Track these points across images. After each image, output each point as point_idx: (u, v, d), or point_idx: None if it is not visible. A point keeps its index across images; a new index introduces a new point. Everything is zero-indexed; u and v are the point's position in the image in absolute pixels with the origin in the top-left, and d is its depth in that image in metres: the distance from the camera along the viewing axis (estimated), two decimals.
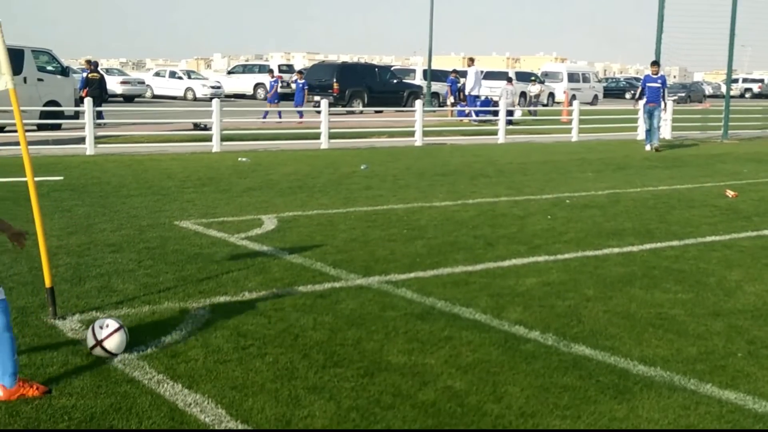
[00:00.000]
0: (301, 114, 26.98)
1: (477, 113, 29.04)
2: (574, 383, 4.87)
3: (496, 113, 25.21)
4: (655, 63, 21.67)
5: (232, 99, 45.36)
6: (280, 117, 27.48)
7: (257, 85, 46.64)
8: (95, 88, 23.69)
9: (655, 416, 4.45)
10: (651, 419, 4.42)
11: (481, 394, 4.69)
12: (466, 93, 31.29)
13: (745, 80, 73.22)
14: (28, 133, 7.49)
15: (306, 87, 28.93)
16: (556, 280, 7.33)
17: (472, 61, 31.96)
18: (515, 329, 5.88)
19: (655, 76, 21.30)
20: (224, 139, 19.24)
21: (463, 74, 31.81)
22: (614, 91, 64.13)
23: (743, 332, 5.93)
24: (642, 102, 22.17)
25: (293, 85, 30.84)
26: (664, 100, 21.37)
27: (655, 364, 5.22)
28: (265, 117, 27.30)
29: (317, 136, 20.54)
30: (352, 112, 32.23)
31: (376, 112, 31.81)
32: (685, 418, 4.43)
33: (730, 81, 28.16)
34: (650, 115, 21.21)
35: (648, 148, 21.13)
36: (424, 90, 37.04)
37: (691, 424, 4.36)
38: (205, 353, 5.24)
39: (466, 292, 6.83)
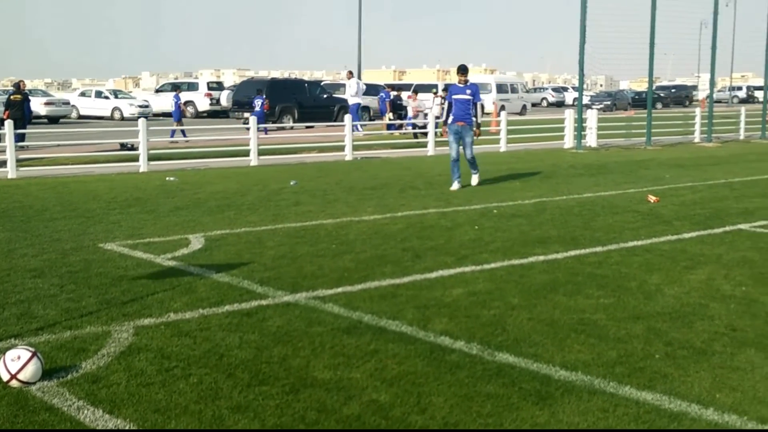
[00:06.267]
0: (181, 132, 26.98)
1: (410, 125, 29.33)
2: (497, 391, 4.94)
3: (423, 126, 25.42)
4: (463, 69, 15.43)
5: (161, 117, 44.82)
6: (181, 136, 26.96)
7: (187, 103, 46.24)
8: (17, 110, 23.17)
9: (575, 420, 4.54)
10: (571, 423, 4.50)
11: (405, 406, 4.72)
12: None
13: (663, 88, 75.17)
14: None
15: (180, 102, 28.69)
16: (482, 289, 7.41)
17: (351, 73, 33.26)
18: (441, 340, 5.94)
19: (462, 86, 15.35)
20: (151, 158, 19.02)
21: (396, 88, 32.29)
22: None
23: (662, 334, 6.09)
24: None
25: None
26: (476, 118, 15.18)
27: (576, 368, 5.33)
28: (184, 135, 26.93)
29: (246, 153, 20.43)
30: (283, 128, 32.14)
31: (307, 127, 31.80)
32: (604, 421, 4.52)
33: (652, 89, 28.91)
34: (458, 137, 15.36)
35: (455, 186, 15.06)
36: None
37: (609, 426, 4.46)
38: (128, 377, 5.17)
39: (393, 305, 6.87)
